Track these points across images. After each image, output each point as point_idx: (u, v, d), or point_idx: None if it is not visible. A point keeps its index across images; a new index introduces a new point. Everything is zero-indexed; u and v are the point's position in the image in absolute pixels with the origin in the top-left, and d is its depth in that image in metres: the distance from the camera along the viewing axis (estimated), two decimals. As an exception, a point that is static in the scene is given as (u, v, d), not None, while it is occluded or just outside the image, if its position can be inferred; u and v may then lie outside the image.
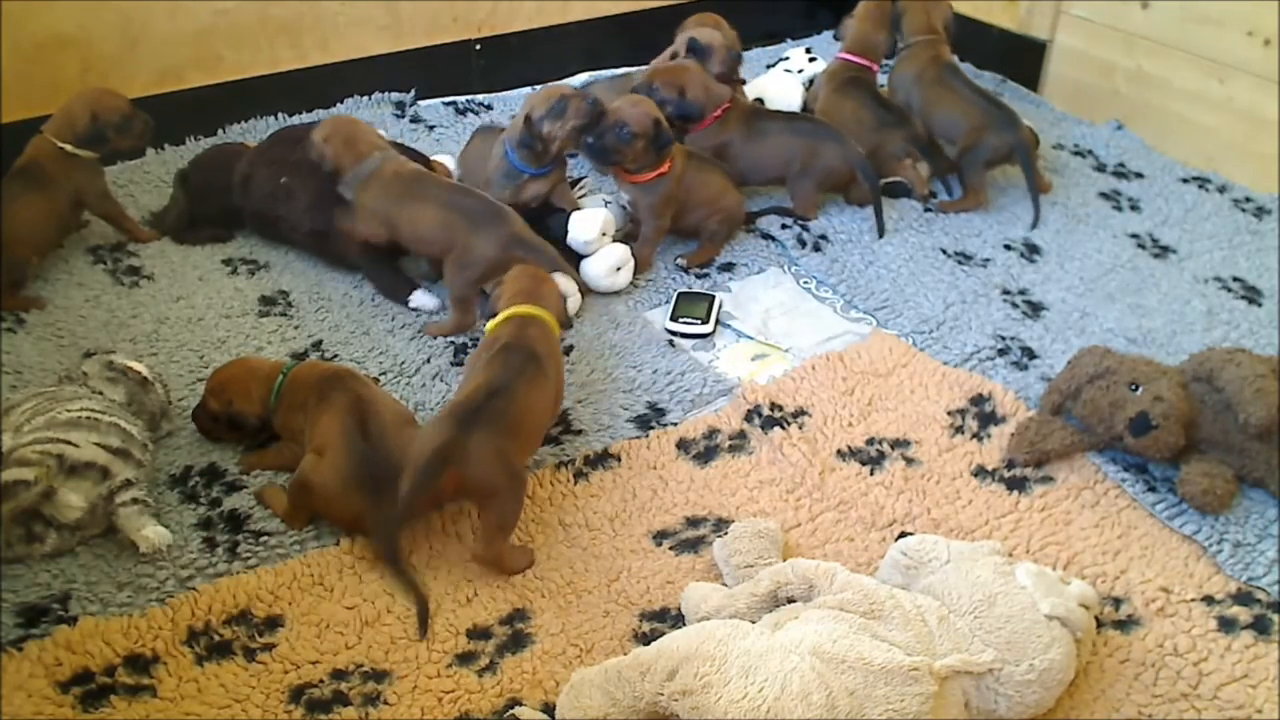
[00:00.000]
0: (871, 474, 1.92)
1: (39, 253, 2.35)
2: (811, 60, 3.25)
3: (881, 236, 2.58)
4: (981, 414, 2.05)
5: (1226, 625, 1.64)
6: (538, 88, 3.31)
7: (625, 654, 1.50)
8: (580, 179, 2.67)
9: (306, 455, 1.75)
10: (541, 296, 1.92)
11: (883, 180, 2.75)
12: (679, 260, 2.50)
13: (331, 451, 1.72)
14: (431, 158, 2.58)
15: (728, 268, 2.50)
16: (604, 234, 2.37)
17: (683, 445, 1.97)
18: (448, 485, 1.64)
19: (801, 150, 2.61)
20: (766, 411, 2.03)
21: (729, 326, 2.34)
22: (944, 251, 2.56)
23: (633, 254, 2.43)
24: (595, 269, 2.35)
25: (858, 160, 2.60)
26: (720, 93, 2.62)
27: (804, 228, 2.61)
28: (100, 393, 1.86)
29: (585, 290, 2.35)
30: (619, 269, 2.37)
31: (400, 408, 1.86)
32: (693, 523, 1.82)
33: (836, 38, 3.04)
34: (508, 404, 1.70)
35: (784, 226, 2.61)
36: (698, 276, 2.47)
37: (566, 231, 2.35)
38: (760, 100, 2.99)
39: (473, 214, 2.17)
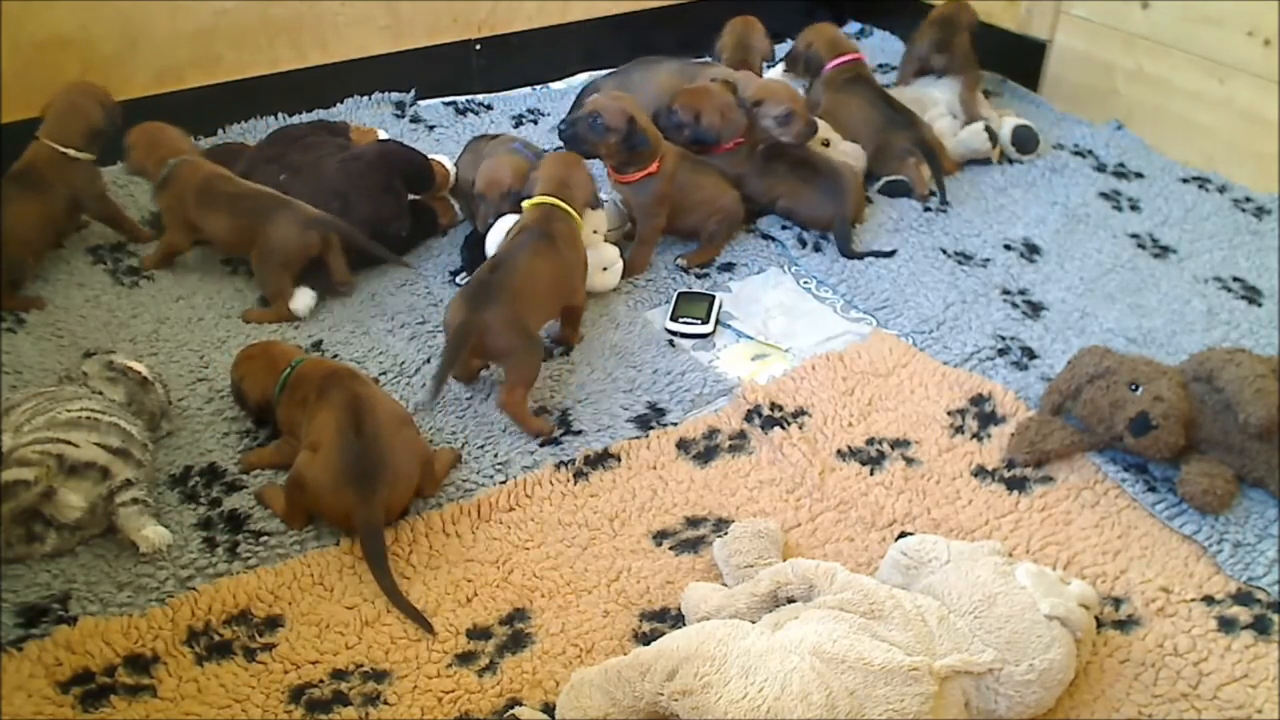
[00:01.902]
0: (871, 474, 1.92)
1: (35, 255, 2.35)
2: None
3: (846, 255, 2.53)
4: (981, 414, 2.05)
5: (1226, 625, 1.63)
6: (537, 88, 3.35)
7: (625, 654, 1.50)
8: None
9: (301, 452, 1.76)
10: (568, 184, 2.17)
11: (885, 179, 2.76)
12: (679, 260, 2.50)
13: (325, 448, 1.73)
14: (430, 157, 2.59)
15: (728, 268, 2.50)
16: (595, 231, 2.36)
17: (683, 445, 1.97)
18: (473, 354, 1.97)
19: (789, 189, 2.60)
20: (766, 411, 2.03)
21: (729, 326, 2.34)
22: (944, 251, 2.56)
23: (627, 255, 2.43)
24: None
25: (840, 220, 2.54)
26: (738, 122, 2.58)
27: (804, 227, 2.61)
28: (100, 393, 1.86)
29: None
30: (605, 269, 2.37)
31: (398, 408, 1.86)
32: (693, 523, 1.82)
33: (809, 68, 2.99)
34: (508, 275, 1.97)
35: (784, 227, 2.61)
36: (698, 276, 2.47)
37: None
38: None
39: (261, 208, 2.28)
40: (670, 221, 2.49)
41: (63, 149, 2.33)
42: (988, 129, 2.87)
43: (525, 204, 2.17)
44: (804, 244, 2.56)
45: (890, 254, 2.53)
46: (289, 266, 2.27)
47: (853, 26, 3.78)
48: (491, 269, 2.00)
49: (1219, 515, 1.83)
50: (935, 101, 2.95)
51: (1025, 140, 2.93)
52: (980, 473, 1.93)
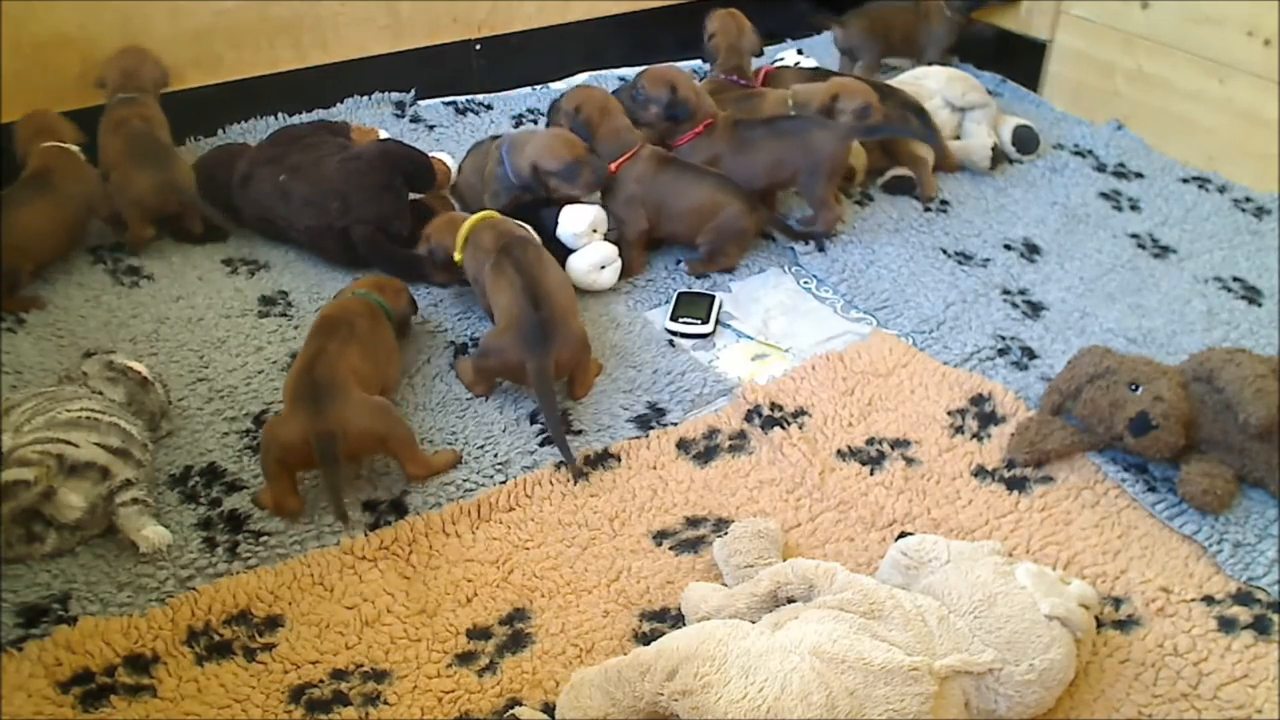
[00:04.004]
0: (871, 474, 1.92)
1: (50, 258, 2.37)
2: (801, 56, 3.25)
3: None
4: (981, 414, 2.05)
5: (1226, 625, 1.64)
6: (537, 88, 3.35)
7: (625, 654, 1.50)
8: None
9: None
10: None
11: (890, 173, 2.76)
12: (682, 265, 2.49)
13: (286, 406, 1.83)
14: (431, 155, 2.59)
15: (728, 269, 2.50)
16: (594, 230, 2.36)
17: (683, 445, 1.97)
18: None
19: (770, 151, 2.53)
20: (766, 411, 2.03)
21: (729, 326, 2.34)
22: (944, 251, 2.56)
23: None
24: (579, 264, 2.35)
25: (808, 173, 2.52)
26: (708, 102, 2.56)
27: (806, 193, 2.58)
28: (100, 393, 1.86)
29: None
30: (603, 268, 2.37)
31: (364, 367, 1.89)
32: (693, 523, 1.82)
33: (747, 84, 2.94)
34: (553, 304, 2.02)
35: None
36: (698, 277, 2.47)
37: (557, 224, 2.35)
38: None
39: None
40: (654, 228, 2.44)
41: (68, 146, 2.35)
42: (995, 148, 2.86)
43: (469, 225, 2.18)
44: (806, 242, 2.56)
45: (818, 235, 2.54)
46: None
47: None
48: (534, 305, 1.99)
49: (1219, 515, 1.83)
50: (930, 95, 2.94)
51: (1025, 140, 2.93)
52: (980, 473, 1.93)
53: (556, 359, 1.97)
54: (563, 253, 2.35)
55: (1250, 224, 2.71)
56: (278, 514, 1.80)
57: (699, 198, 2.41)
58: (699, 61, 3.44)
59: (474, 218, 2.19)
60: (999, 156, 2.89)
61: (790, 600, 1.53)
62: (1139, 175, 2.92)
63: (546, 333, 1.97)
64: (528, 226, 2.27)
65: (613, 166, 2.39)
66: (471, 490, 1.87)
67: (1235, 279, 2.50)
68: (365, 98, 3.15)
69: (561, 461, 1.91)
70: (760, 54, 2.97)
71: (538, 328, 1.97)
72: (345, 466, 1.79)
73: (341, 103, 3.12)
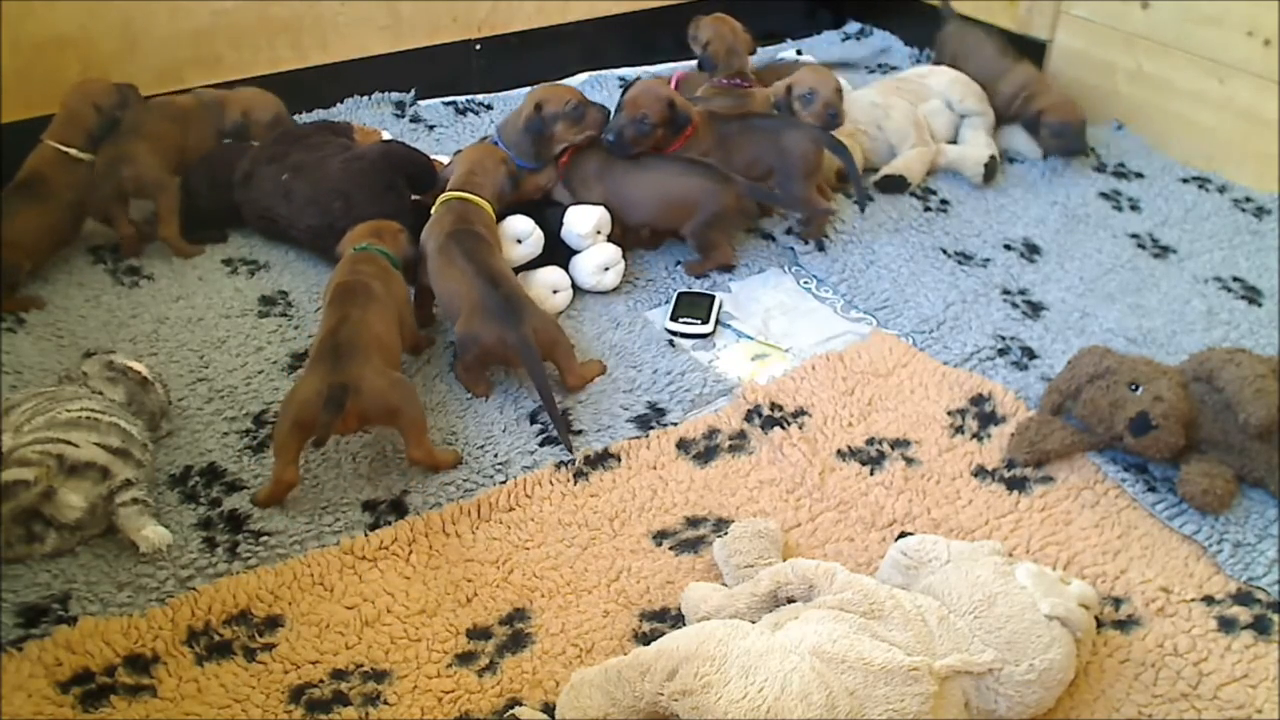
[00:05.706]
0: (871, 474, 1.92)
1: (39, 259, 2.36)
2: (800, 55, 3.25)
3: (863, 208, 2.61)
4: (981, 414, 2.05)
5: (1226, 625, 1.64)
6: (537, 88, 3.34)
7: (625, 654, 1.50)
8: None
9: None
10: (474, 172, 2.25)
11: (884, 173, 2.75)
12: (681, 265, 2.49)
13: (309, 364, 1.83)
14: (432, 156, 2.59)
15: (727, 267, 2.50)
16: (599, 231, 2.36)
17: (683, 445, 1.97)
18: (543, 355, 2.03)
19: (753, 146, 2.53)
20: (766, 411, 2.03)
21: (729, 326, 2.34)
22: (944, 251, 2.56)
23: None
24: (583, 266, 2.35)
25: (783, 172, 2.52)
26: (690, 108, 2.54)
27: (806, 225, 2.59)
28: (100, 393, 1.86)
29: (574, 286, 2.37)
30: (607, 269, 2.37)
31: (386, 336, 1.91)
32: (693, 523, 1.82)
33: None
34: (512, 282, 2.07)
35: (787, 231, 2.60)
36: (697, 277, 2.47)
37: (561, 225, 2.35)
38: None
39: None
40: (623, 219, 2.43)
41: (65, 149, 2.34)
42: (990, 159, 2.82)
43: (449, 196, 2.21)
44: (806, 241, 2.56)
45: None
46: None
47: (852, 26, 3.78)
48: (494, 284, 2.02)
49: (1219, 515, 1.83)
50: (932, 94, 2.94)
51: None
52: (980, 473, 1.93)
53: (533, 329, 1.99)
54: (567, 253, 2.36)
55: (1250, 224, 2.71)
56: (275, 491, 1.80)
57: (662, 184, 2.41)
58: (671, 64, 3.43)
59: (454, 194, 2.20)
60: (993, 170, 2.83)
61: (790, 600, 1.53)
62: (1139, 175, 2.92)
63: (514, 306, 2.00)
64: (530, 221, 2.28)
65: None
66: (471, 490, 1.87)
67: (1235, 279, 2.50)
68: (365, 98, 3.16)
69: (562, 462, 1.91)
70: (754, 52, 2.95)
71: (503, 304, 2.00)
72: (350, 426, 1.80)
73: (342, 103, 3.12)
